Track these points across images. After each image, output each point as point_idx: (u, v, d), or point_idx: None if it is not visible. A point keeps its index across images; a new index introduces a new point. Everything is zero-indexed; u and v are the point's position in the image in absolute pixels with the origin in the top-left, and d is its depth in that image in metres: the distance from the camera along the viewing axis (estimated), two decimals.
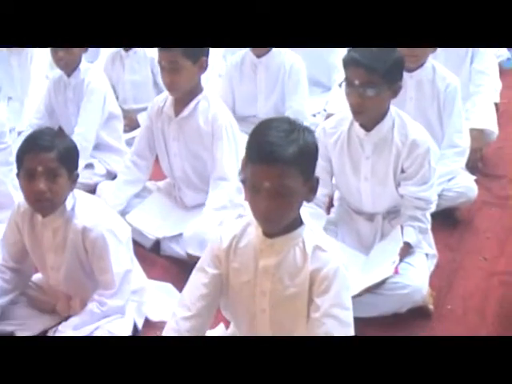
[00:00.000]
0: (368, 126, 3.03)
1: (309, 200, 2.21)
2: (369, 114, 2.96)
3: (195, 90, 3.41)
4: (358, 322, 2.92)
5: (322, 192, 3.19)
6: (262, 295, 2.28)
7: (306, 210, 3.14)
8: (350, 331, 2.20)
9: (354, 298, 2.82)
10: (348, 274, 2.22)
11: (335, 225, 3.35)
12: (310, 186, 2.16)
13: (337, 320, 2.17)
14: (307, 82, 4.50)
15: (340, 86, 2.94)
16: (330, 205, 3.51)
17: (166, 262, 3.54)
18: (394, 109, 3.06)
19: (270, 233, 2.21)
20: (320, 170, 3.12)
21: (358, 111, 2.94)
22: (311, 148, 2.13)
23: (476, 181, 4.13)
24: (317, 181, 2.18)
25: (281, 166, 2.04)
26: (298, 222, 2.22)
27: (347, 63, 2.88)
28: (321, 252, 2.19)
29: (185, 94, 3.38)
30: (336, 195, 3.47)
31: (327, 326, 2.16)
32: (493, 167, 4.57)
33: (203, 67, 3.33)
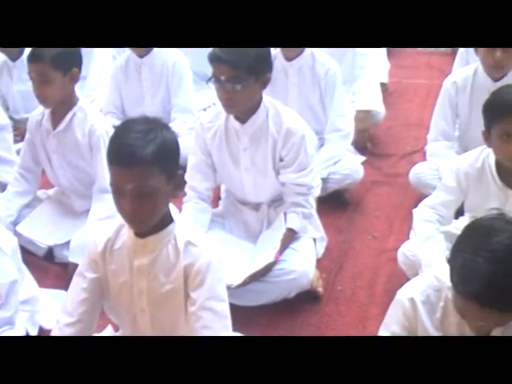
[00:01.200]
0: (242, 118, 3.06)
1: (175, 196, 2.23)
2: (240, 108, 3.00)
3: (69, 102, 3.38)
4: (250, 310, 2.99)
5: (205, 186, 3.22)
6: (140, 295, 2.29)
7: (191, 206, 3.19)
8: (227, 323, 2.24)
9: (239, 286, 2.90)
10: (221, 267, 2.25)
11: (222, 217, 3.38)
12: (175, 183, 2.18)
13: (213, 312, 2.20)
14: (195, 76, 4.52)
15: (207, 82, 2.96)
16: (218, 197, 3.54)
17: (59, 270, 3.52)
18: (267, 99, 3.11)
19: (140, 233, 2.22)
20: (201, 164, 3.16)
21: (228, 105, 2.97)
22: (171, 145, 2.14)
23: (365, 161, 4.24)
24: (182, 176, 2.20)
25: (141, 167, 2.05)
26: (169, 220, 2.24)
27: (212, 60, 2.90)
28: (192, 247, 2.22)
29: (58, 105, 3.35)
30: (222, 188, 3.50)
31: (204, 320, 2.19)
32: (383, 146, 4.68)
33: (75, 78, 3.31)
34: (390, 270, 3.35)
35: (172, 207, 2.29)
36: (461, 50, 4.52)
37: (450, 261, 1.86)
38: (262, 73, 2.93)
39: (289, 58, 3.92)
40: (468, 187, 3.00)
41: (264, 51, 2.95)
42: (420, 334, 2.12)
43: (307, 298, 3.18)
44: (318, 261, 3.33)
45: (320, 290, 3.21)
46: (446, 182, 3.06)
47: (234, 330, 2.31)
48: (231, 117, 3.09)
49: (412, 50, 6.17)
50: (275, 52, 3.80)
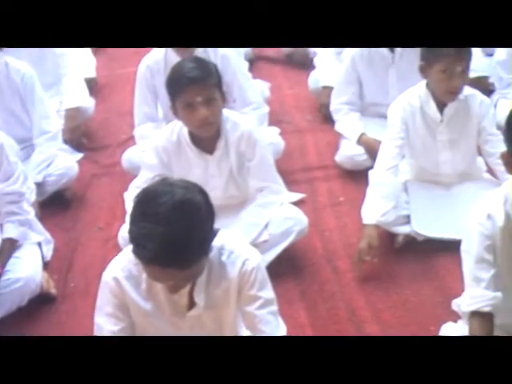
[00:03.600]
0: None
1: None
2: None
3: None
4: None
5: None
6: None
7: None
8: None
9: None
10: None
11: None
12: None
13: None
14: None
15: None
16: None
17: None
18: None
19: None
20: None
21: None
22: None
23: (84, 157, 4.29)
24: None
25: None
26: None
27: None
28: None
29: None
30: None
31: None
32: (100, 139, 4.74)
33: None
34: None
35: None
36: None
37: (128, 232, 1.97)
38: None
39: None
40: (170, 161, 3.15)
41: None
42: (132, 307, 2.22)
43: (43, 301, 3.19)
44: (48, 263, 3.36)
45: (53, 291, 3.24)
46: (147, 160, 3.20)
47: None
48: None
49: None
50: None
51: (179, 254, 1.88)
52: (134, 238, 1.93)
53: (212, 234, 2.03)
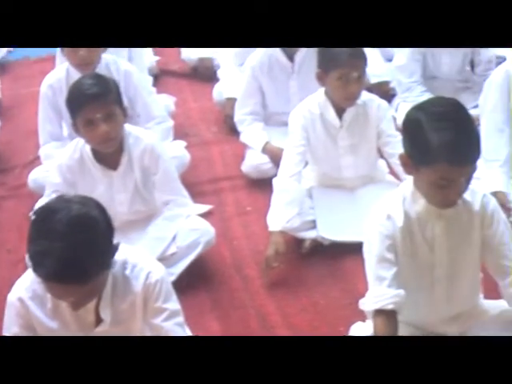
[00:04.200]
0: None
1: None
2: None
3: None
4: None
5: None
6: None
7: None
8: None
9: None
10: None
11: None
12: None
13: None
14: None
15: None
16: None
17: None
18: None
19: None
20: None
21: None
22: None
23: None
24: None
25: None
26: None
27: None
28: None
29: None
30: None
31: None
32: (7, 160, 4.66)
33: None
34: None
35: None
36: None
37: (27, 252, 1.96)
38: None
39: None
40: (74, 179, 3.14)
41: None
42: (38, 328, 2.20)
43: None
44: None
45: None
46: (51, 179, 3.18)
47: None
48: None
49: (25, 61, 6.16)
50: None
51: (76, 270, 1.88)
52: (32, 256, 1.93)
53: (112, 248, 2.04)
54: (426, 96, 4.15)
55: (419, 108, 2.21)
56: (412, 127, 2.20)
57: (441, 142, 2.09)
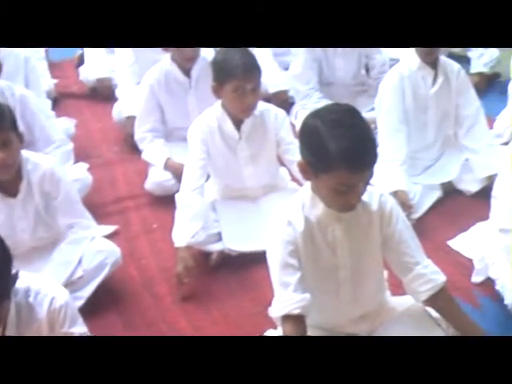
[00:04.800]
0: None
1: None
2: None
3: None
4: None
5: None
6: None
7: None
8: None
9: None
10: None
11: None
12: None
13: None
14: None
15: None
16: None
17: None
18: None
19: None
20: None
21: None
22: None
23: None
24: None
25: None
26: None
27: None
28: None
29: None
30: None
31: None
32: None
33: None
34: None
35: None
36: None
37: None
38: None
39: None
40: None
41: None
42: None
43: None
44: None
45: None
46: None
47: None
48: None
49: None
50: None
51: None
52: None
53: (11, 277, 2.01)
54: (324, 102, 4.25)
55: (316, 115, 2.24)
56: (309, 135, 2.23)
57: (339, 150, 2.12)
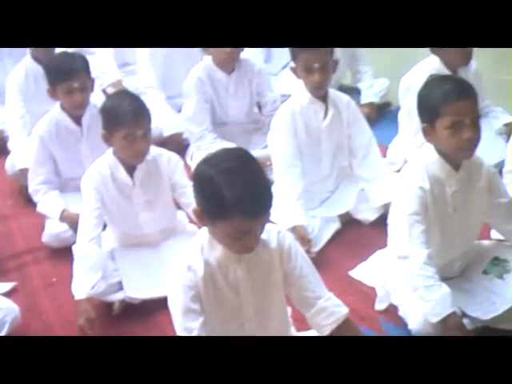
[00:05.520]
0: None
1: None
2: None
3: None
4: None
5: None
6: None
7: None
8: None
9: None
10: None
11: None
12: None
13: None
14: None
15: None
16: None
17: None
18: None
19: None
20: None
21: None
22: None
23: None
24: None
25: None
26: None
27: None
28: None
29: None
30: None
31: None
32: None
33: None
34: None
35: None
36: None
37: None
38: None
39: None
40: None
41: None
42: None
43: None
44: None
45: None
46: None
47: None
48: None
49: None
50: None
51: None
52: None
53: None
54: (218, 142, 4.29)
55: (209, 163, 2.23)
56: (203, 183, 2.23)
57: (234, 198, 2.13)
